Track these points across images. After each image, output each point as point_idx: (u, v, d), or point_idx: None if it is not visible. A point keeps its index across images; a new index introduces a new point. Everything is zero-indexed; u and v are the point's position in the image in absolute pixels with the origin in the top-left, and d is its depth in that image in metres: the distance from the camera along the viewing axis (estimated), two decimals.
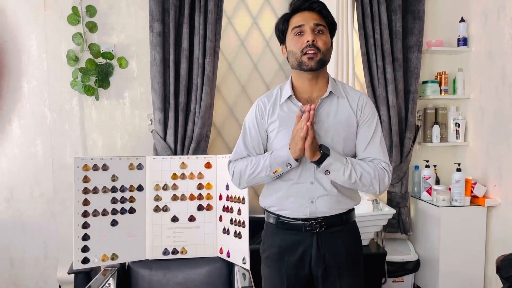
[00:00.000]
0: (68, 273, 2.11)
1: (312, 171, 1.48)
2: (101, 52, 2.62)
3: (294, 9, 1.47)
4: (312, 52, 1.41)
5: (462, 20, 2.82)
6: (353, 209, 1.59)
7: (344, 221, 1.53)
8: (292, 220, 1.52)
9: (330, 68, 2.67)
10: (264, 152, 1.56)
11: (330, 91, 1.48)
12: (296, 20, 1.45)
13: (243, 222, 1.98)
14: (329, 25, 1.47)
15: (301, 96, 1.51)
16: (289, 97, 1.50)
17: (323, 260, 1.50)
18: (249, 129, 1.56)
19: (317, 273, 1.51)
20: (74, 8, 2.56)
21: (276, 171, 1.47)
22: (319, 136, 1.45)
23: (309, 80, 1.49)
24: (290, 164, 1.44)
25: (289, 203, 1.50)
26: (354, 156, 1.53)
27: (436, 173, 2.85)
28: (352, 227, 1.59)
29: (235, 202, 2.03)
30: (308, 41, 1.41)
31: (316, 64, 1.43)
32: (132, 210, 2.08)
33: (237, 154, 1.59)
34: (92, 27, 2.61)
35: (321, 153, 1.39)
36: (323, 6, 1.46)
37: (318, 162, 1.40)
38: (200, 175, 2.15)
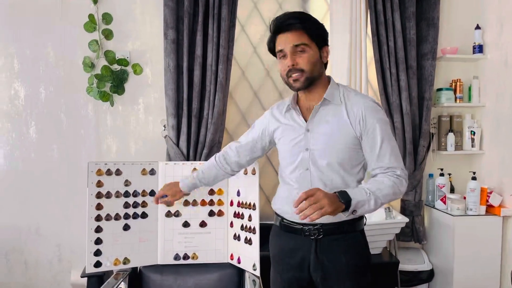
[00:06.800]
0: (81, 277, 2.13)
1: (309, 178, 1.49)
2: (117, 59, 2.66)
3: (274, 31, 1.46)
4: (295, 75, 1.44)
5: (478, 27, 2.79)
6: (359, 219, 1.54)
7: (345, 230, 1.50)
8: (292, 224, 1.54)
9: (343, 74, 2.67)
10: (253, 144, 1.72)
11: (324, 98, 1.47)
12: (278, 42, 1.46)
13: (254, 228, 1.98)
14: (314, 37, 1.43)
15: (302, 105, 1.56)
16: (290, 106, 1.55)
17: (321, 266, 1.50)
18: (253, 128, 1.74)
19: (317, 278, 1.51)
20: (91, 16, 2.62)
21: None
22: (311, 143, 1.48)
23: (304, 93, 1.53)
24: None
25: (290, 207, 1.49)
26: (356, 164, 1.50)
27: (450, 182, 2.81)
28: (355, 237, 1.53)
29: (246, 208, 2.04)
30: (289, 66, 1.43)
31: (302, 85, 1.45)
32: (144, 215, 2.10)
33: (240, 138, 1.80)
34: (108, 34, 2.66)
35: (343, 203, 1.32)
36: (302, 21, 1.42)
37: (344, 210, 1.35)
38: None
